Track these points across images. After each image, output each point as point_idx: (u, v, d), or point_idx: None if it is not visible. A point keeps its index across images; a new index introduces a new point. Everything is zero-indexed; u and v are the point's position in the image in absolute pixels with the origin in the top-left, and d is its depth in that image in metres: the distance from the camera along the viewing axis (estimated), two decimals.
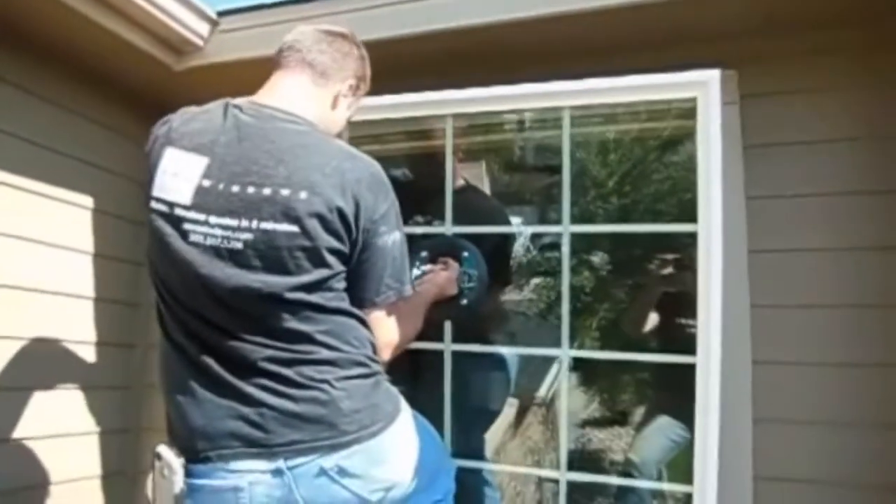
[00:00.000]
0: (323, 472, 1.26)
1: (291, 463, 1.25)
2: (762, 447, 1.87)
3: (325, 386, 1.27)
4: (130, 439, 2.49)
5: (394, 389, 1.44)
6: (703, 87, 1.84)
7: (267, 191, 1.25)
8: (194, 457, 1.27)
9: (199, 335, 1.30)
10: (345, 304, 1.34)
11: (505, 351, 2.44)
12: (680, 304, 2.89)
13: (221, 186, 1.26)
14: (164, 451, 1.30)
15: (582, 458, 4.34)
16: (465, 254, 1.97)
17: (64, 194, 2.29)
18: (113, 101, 2.48)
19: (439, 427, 2.02)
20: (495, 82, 2.00)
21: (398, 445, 1.38)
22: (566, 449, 2.05)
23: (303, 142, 1.32)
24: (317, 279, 1.28)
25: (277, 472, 1.25)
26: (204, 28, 2.25)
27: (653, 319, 3.36)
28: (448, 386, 2.08)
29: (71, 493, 2.25)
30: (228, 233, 1.25)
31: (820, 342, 1.90)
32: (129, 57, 2.21)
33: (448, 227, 2.09)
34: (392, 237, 1.37)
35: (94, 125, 2.43)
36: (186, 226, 1.27)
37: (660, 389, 3.52)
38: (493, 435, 2.48)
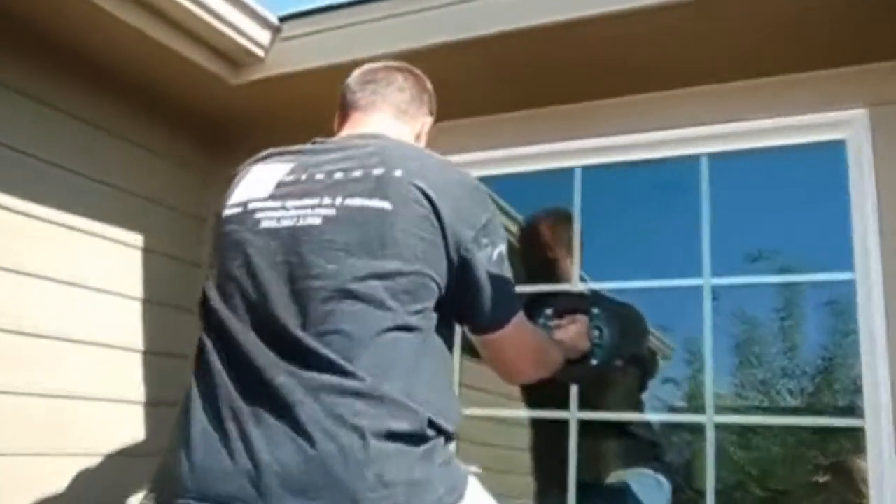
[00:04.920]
0: None
1: None
2: None
3: (355, 437, 1.01)
4: None
5: (459, 467, 1.16)
6: (851, 127, 1.75)
7: (357, 172, 1.20)
8: None
9: (229, 359, 1.13)
10: (417, 321, 1.13)
11: (644, 418, 2.24)
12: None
13: (304, 176, 1.24)
14: None
15: None
16: (595, 310, 1.80)
17: (108, 231, 2.12)
18: (164, 125, 2.32)
19: None
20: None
21: None
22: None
23: (395, 144, 1.31)
24: (395, 270, 1.12)
25: None
26: (265, 36, 2.05)
27: None
28: (574, 460, 1.89)
29: None
30: (306, 211, 1.18)
31: None
32: (181, 71, 2.05)
33: (575, 284, 2.00)
34: (497, 250, 1.26)
35: (144, 151, 2.26)
36: (259, 215, 1.22)
37: None
38: None
